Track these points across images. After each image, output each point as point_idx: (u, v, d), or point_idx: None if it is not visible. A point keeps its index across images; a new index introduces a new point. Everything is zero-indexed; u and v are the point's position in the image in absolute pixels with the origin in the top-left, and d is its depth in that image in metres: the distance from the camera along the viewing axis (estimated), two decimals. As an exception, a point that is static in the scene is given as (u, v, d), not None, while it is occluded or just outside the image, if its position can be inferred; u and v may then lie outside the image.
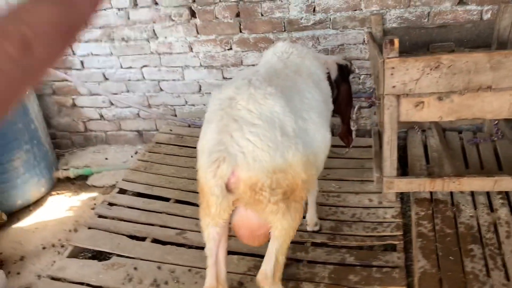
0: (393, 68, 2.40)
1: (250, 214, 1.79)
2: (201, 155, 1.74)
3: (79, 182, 3.70)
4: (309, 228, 2.65)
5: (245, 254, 2.54)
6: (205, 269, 2.42)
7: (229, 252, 2.53)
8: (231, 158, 1.61)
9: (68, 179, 3.72)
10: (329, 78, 2.43)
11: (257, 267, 2.40)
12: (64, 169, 3.73)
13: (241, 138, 1.63)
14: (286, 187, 1.73)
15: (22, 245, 3.05)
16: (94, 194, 3.51)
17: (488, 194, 2.74)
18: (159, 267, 2.51)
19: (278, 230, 1.81)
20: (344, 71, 2.70)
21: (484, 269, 2.26)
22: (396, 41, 2.37)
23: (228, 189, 1.66)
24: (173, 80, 3.70)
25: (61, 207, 3.41)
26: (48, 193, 3.59)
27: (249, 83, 1.77)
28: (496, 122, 3.21)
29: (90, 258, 2.71)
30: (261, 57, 2.42)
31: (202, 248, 2.58)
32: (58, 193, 3.60)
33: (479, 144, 3.20)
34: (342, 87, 2.64)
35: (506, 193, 2.72)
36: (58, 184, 3.70)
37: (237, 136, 1.63)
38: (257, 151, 1.63)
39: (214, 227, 1.83)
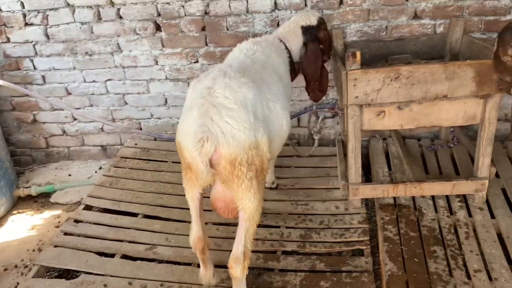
0: (355, 79, 2.50)
1: (226, 190, 2.03)
2: (186, 138, 1.95)
3: (41, 200, 3.59)
4: (267, 185, 3.04)
5: (219, 267, 2.55)
6: (177, 283, 2.44)
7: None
8: (213, 137, 1.85)
9: (30, 197, 3.60)
10: (291, 61, 2.78)
11: (229, 278, 2.43)
12: (25, 187, 3.61)
13: (220, 121, 1.87)
14: (258, 164, 1.99)
15: (-18, 268, 2.92)
16: (58, 211, 3.42)
17: (447, 197, 2.88)
18: (130, 283, 2.47)
19: (248, 210, 2.03)
20: (310, 30, 2.82)
21: (447, 269, 2.37)
22: (358, 54, 2.47)
23: (211, 164, 1.90)
24: (138, 93, 3.68)
25: (24, 226, 3.29)
26: (8, 212, 3.46)
27: (224, 74, 2.04)
28: (452, 129, 3.40)
29: (56, 277, 2.63)
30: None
31: (173, 262, 2.62)
32: (19, 212, 3.48)
33: (437, 151, 3.36)
34: (307, 47, 2.82)
35: (464, 196, 2.87)
36: (19, 202, 3.58)
37: (216, 119, 1.87)
38: (235, 131, 1.88)
39: (198, 190, 2.13)
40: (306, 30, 2.81)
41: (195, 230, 2.26)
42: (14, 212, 3.49)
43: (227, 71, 2.08)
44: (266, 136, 2.02)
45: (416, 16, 3.23)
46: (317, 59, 2.84)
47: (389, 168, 3.22)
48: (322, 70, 2.91)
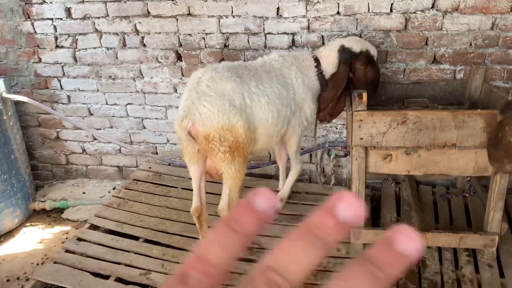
0: (361, 120, 2.47)
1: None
2: (176, 117, 2.48)
3: (54, 214, 3.70)
4: (278, 194, 3.23)
5: None
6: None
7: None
8: (191, 116, 2.34)
9: (44, 211, 3.72)
10: (321, 79, 2.86)
11: None
12: (41, 201, 3.74)
13: (199, 104, 2.35)
14: (231, 142, 2.42)
15: (-13, 277, 3.01)
16: (67, 228, 3.50)
17: (455, 250, 2.74)
18: (118, 307, 2.48)
19: (226, 175, 2.52)
20: (347, 54, 2.80)
21: (444, 327, 2.23)
22: (365, 95, 2.45)
23: (191, 136, 2.38)
24: (156, 118, 3.78)
25: (33, 239, 3.39)
26: (22, 224, 3.57)
27: (214, 69, 2.50)
28: (469, 178, 3.26)
29: (50, 293, 2.67)
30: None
31: (165, 289, 2.60)
32: (32, 225, 3.59)
33: (451, 200, 3.23)
34: (338, 68, 2.85)
35: (473, 251, 2.72)
36: (34, 215, 3.70)
37: (196, 102, 2.36)
38: (209, 113, 2.35)
39: (194, 165, 2.57)
40: (343, 51, 2.80)
41: (194, 201, 2.68)
42: (27, 224, 3.60)
43: (218, 67, 2.53)
44: (242, 121, 2.43)
45: (435, 61, 3.18)
46: (339, 84, 2.82)
47: (398, 214, 3.12)
48: (340, 97, 2.89)
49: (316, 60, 2.86)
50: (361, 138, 2.51)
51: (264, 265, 0.32)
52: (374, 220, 3.17)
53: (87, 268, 2.77)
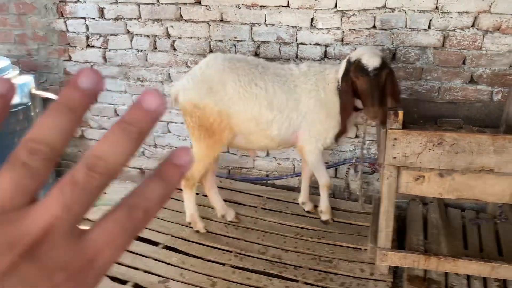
0: (395, 139, 2.39)
1: None
2: None
3: (74, 213, 3.68)
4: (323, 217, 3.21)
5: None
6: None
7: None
8: (176, 88, 2.82)
9: (64, 209, 3.71)
10: (340, 92, 2.71)
11: None
12: (62, 199, 3.73)
13: (186, 80, 2.77)
14: (199, 120, 2.73)
15: None
16: (86, 228, 3.48)
17: (484, 279, 2.63)
18: (135, 315, 2.43)
19: (193, 148, 2.83)
20: (346, 66, 2.60)
21: None
22: (401, 113, 2.37)
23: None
24: (182, 123, 3.73)
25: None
26: (41, 221, 3.57)
27: (216, 57, 2.82)
28: (501, 204, 3.14)
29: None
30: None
31: (183, 299, 2.55)
32: (51, 222, 3.58)
33: (481, 225, 3.11)
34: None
35: (504, 281, 2.60)
36: (54, 213, 3.69)
37: (186, 78, 2.79)
38: (189, 89, 2.73)
39: None
40: (348, 62, 2.61)
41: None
42: (47, 222, 3.59)
43: (222, 57, 2.80)
44: (212, 104, 2.69)
45: (472, 81, 3.08)
46: (342, 98, 2.68)
47: (425, 237, 3.01)
48: (346, 112, 2.71)
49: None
50: (394, 158, 2.43)
51: (25, 139, 0.35)
52: (400, 241, 3.06)
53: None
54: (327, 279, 2.70)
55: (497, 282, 2.61)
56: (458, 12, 2.91)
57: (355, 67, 2.51)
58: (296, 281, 2.69)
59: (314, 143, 2.85)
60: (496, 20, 2.88)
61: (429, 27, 3.00)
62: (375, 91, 2.47)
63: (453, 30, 2.97)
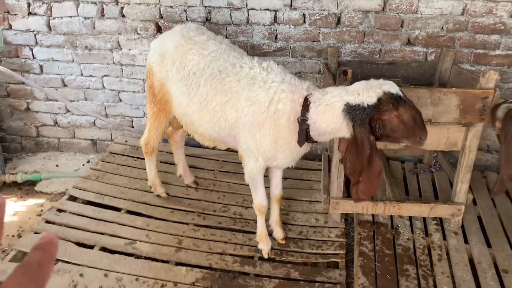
0: (345, 96, 2.58)
1: None
2: None
3: (26, 187, 3.61)
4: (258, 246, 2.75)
5: (194, 266, 2.59)
6: (152, 279, 2.49)
7: (178, 264, 2.61)
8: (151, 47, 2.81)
9: (15, 184, 3.62)
10: (301, 123, 2.21)
11: (204, 278, 2.48)
12: (12, 173, 3.63)
13: (154, 41, 2.80)
14: (149, 84, 2.78)
15: (-40, 249, 2.93)
16: (41, 200, 3.44)
17: (424, 219, 2.96)
18: (105, 275, 2.50)
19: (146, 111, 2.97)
20: (356, 114, 2.05)
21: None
22: (349, 72, 2.56)
23: None
24: (133, 91, 3.74)
25: (5, 211, 3.30)
26: (-9, 197, 3.46)
27: (184, 28, 2.69)
28: (435, 154, 3.49)
29: (33, 263, 2.64)
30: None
31: (151, 259, 2.65)
32: (3, 198, 3.49)
33: (419, 174, 3.45)
34: (355, 134, 2.10)
35: (440, 219, 2.95)
36: (4, 188, 3.60)
37: (156, 40, 2.82)
38: (150, 50, 2.80)
39: None
40: (351, 110, 2.06)
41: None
42: (-2, 197, 3.49)
43: (190, 33, 2.62)
44: (159, 73, 2.67)
45: (409, 43, 3.35)
46: (362, 152, 2.07)
47: (371, 187, 3.29)
48: (371, 168, 2.10)
49: (306, 102, 2.20)
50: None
51: None
52: (349, 195, 3.33)
53: (70, 238, 2.77)
54: (286, 229, 2.90)
55: (435, 220, 2.94)
56: (396, -22, 3.14)
57: (390, 100, 2.00)
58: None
59: (251, 156, 2.45)
60: (430, -14, 3.14)
61: (370, -8, 3.20)
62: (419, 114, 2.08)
63: (392, -5, 3.20)
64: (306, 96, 2.21)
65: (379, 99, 2.01)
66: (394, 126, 2.05)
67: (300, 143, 2.24)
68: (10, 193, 3.55)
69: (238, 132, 2.41)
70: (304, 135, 2.23)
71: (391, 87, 2.04)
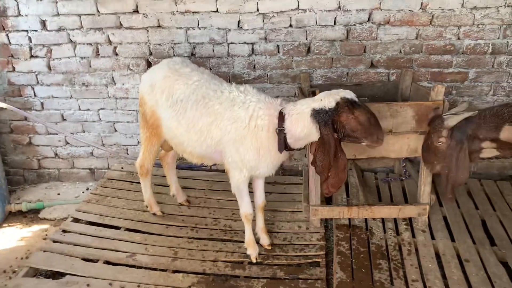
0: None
1: None
2: None
3: (31, 215, 3.88)
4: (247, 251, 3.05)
5: (189, 272, 2.88)
6: (153, 285, 2.78)
7: (175, 271, 2.89)
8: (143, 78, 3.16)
9: (20, 213, 3.89)
10: (279, 133, 2.60)
11: (199, 282, 2.77)
12: (17, 203, 3.91)
13: (146, 73, 3.17)
14: (142, 111, 3.12)
15: (-27, 272, 3.17)
16: (45, 226, 3.70)
17: (395, 220, 3.29)
18: (110, 284, 2.77)
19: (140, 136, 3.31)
20: (321, 117, 2.49)
21: (389, 278, 2.75)
22: (317, 92, 2.93)
23: None
24: (128, 122, 4.09)
25: (13, 237, 3.56)
26: (-1, 226, 3.74)
27: (170, 61, 3.08)
28: (404, 164, 3.86)
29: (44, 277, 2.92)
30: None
31: (151, 268, 2.93)
32: (9, 225, 3.76)
33: (390, 183, 3.81)
34: (320, 134, 2.53)
35: (410, 220, 3.28)
36: (10, 217, 3.86)
37: (147, 72, 3.19)
38: (142, 80, 3.14)
39: None
40: (317, 114, 2.49)
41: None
42: (5, 225, 3.76)
43: (176, 66, 3.01)
44: (149, 101, 3.01)
45: (372, 65, 3.77)
46: (328, 149, 2.50)
47: (347, 195, 3.64)
48: (337, 163, 2.54)
49: (281, 115, 2.62)
50: (316, 128, 2.98)
51: None
52: (327, 200, 3.66)
53: (76, 255, 3.04)
54: (271, 237, 3.20)
55: (405, 221, 3.28)
56: (356, 10, 3.58)
57: (345, 104, 2.45)
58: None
59: (236, 168, 2.81)
60: (386, 15, 3.58)
61: (334, 23, 3.64)
62: (373, 115, 2.51)
63: (354, 25, 3.63)
64: (281, 110, 2.65)
65: (337, 103, 2.46)
66: (353, 126, 2.48)
67: (280, 150, 2.66)
68: (16, 221, 3.82)
69: (223, 147, 2.77)
70: (283, 143, 2.64)
71: (347, 93, 2.51)
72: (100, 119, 4.11)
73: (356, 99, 2.50)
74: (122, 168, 4.19)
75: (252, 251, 3.01)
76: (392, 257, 2.93)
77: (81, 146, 4.20)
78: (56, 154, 4.27)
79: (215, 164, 3.17)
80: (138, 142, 4.17)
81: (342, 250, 2.98)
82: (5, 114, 4.07)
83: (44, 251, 3.07)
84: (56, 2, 3.70)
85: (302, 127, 2.57)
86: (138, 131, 4.09)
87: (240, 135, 2.68)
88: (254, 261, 2.98)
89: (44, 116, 4.10)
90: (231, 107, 2.72)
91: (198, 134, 2.81)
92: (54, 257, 3.02)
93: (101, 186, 3.89)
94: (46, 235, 3.55)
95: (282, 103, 2.73)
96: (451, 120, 2.60)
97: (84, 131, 4.16)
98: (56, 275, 2.94)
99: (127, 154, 4.22)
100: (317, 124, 2.50)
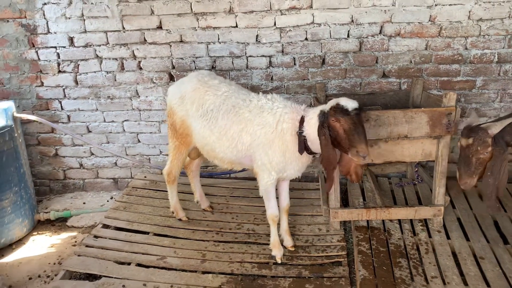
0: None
1: None
2: None
3: (58, 224, 4.04)
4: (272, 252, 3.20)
5: (218, 273, 3.03)
6: (185, 285, 2.93)
7: (205, 272, 3.04)
8: (171, 89, 3.37)
9: (48, 221, 4.05)
10: (300, 136, 2.81)
11: (229, 282, 2.91)
12: (45, 212, 4.07)
13: (173, 85, 3.38)
14: (171, 122, 3.31)
15: (9, 277, 3.32)
16: (74, 233, 3.86)
17: (411, 222, 3.45)
18: (144, 285, 2.92)
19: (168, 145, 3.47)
20: (321, 117, 2.73)
21: (409, 275, 2.89)
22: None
23: None
24: (151, 132, 4.28)
25: (44, 245, 3.72)
26: (29, 234, 3.89)
27: (199, 74, 3.29)
28: (416, 169, 4.03)
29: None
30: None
31: (181, 270, 3.08)
32: (39, 233, 3.91)
33: (404, 187, 3.97)
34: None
35: (425, 221, 3.44)
36: (39, 226, 4.02)
37: (175, 83, 3.38)
38: (170, 92, 3.34)
39: None
40: (321, 115, 2.74)
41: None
42: (34, 233, 3.92)
43: (204, 78, 3.21)
44: (180, 111, 3.20)
45: (384, 75, 3.96)
46: (323, 147, 2.73)
47: (364, 199, 3.80)
48: (330, 157, 2.74)
49: (302, 119, 2.84)
50: (335, 135, 3.16)
51: None
52: (345, 204, 3.82)
53: (109, 258, 3.20)
54: (294, 239, 3.36)
55: (420, 222, 3.44)
56: (369, 23, 3.79)
57: (334, 110, 2.64)
58: (269, 244, 3.32)
59: (265, 171, 2.97)
60: (397, 28, 3.79)
61: (348, 36, 3.84)
62: (361, 128, 2.62)
63: (366, 37, 3.84)
64: (303, 115, 2.87)
65: (331, 107, 2.67)
66: (337, 131, 2.65)
67: (300, 151, 2.87)
68: (45, 230, 3.97)
69: (253, 152, 2.96)
70: (303, 145, 2.85)
71: (346, 101, 2.67)
72: (124, 130, 4.29)
73: (351, 108, 2.63)
74: (145, 177, 4.36)
75: (277, 252, 3.16)
76: (410, 256, 3.08)
77: (105, 156, 4.38)
78: (81, 165, 4.44)
79: (243, 170, 3.33)
80: (161, 152, 4.35)
81: (363, 250, 3.13)
82: (32, 127, 4.26)
83: (79, 255, 3.22)
84: (84, 20, 3.92)
85: (314, 129, 2.77)
86: (160, 141, 4.29)
87: (269, 139, 2.88)
88: (279, 261, 3.13)
89: (70, 128, 4.28)
90: (260, 114, 2.92)
91: (230, 140, 3.00)
92: (88, 260, 3.17)
93: (127, 194, 4.06)
94: (75, 242, 3.71)
95: (306, 109, 2.93)
96: (495, 128, 2.65)
97: (108, 142, 4.34)
98: (90, 277, 3.10)
99: (150, 163, 4.39)
100: (318, 124, 2.73)
